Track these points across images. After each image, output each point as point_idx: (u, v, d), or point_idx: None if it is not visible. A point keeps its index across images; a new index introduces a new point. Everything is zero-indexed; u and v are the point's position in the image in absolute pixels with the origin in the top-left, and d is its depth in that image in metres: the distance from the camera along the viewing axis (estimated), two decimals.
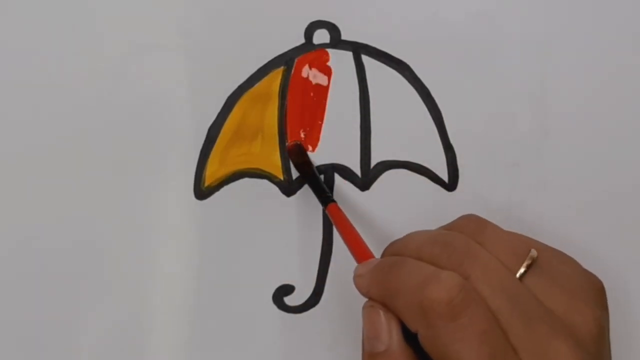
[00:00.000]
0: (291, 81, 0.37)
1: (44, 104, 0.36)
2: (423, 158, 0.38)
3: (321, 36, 0.37)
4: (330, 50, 0.37)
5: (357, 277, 0.29)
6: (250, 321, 0.37)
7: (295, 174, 0.37)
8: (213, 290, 0.36)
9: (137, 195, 0.36)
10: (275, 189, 0.37)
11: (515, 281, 0.26)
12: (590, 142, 0.38)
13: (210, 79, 0.37)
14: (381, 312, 0.27)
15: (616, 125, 0.38)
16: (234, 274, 0.37)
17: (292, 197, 0.37)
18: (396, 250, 0.29)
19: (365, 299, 0.28)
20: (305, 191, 0.37)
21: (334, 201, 0.34)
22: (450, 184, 0.38)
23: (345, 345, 0.37)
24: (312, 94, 0.37)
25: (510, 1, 0.38)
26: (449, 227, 0.30)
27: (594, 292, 0.28)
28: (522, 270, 0.27)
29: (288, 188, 0.37)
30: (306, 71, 0.37)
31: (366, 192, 0.38)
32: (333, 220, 0.34)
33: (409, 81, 0.38)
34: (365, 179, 0.38)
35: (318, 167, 0.37)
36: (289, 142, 0.37)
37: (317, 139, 0.37)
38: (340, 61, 0.37)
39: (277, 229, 0.37)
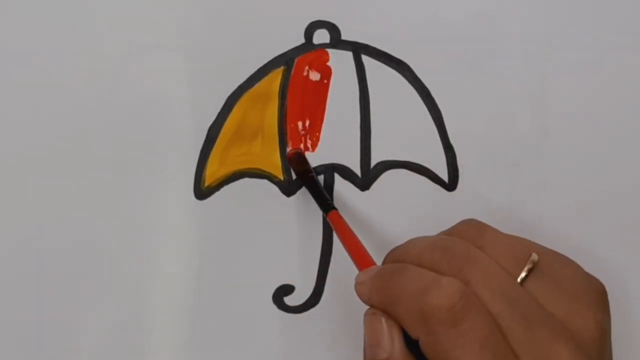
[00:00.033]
0: (291, 81, 0.37)
1: (44, 104, 0.36)
2: (423, 158, 0.38)
3: (321, 36, 0.37)
4: (330, 50, 0.37)
5: (358, 285, 0.29)
6: (250, 321, 0.37)
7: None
8: (213, 290, 0.36)
9: (137, 195, 0.36)
10: (275, 189, 0.37)
11: (516, 285, 0.26)
12: (590, 142, 0.38)
13: (210, 79, 0.37)
14: (383, 319, 0.27)
15: (616, 125, 0.38)
16: (234, 274, 0.37)
17: (292, 197, 0.37)
18: (397, 256, 0.29)
19: (366, 306, 0.28)
20: (306, 191, 0.37)
21: (334, 208, 0.34)
22: (450, 184, 0.38)
23: (345, 345, 0.37)
24: (312, 94, 0.37)
25: (510, 1, 0.38)
26: (449, 232, 0.30)
27: (596, 296, 0.27)
28: (523, 274, 0.27)
29: (288, 188, 0.37)
30: (306, 71, 0.37)
31: (366, 192, 0.37)
32: (334, 228, 0.33)
33: (409, 81, 0.38)
34: (365, 179, 0.37)
35: (318, 167, 0.37)
36: (289, 150, 0.37)
37: (317, 139, 0.37)
38: (340, 61, 0.37)
39: (277, 229, 0.37)
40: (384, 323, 0.27)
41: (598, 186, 0.38)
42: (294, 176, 0.37)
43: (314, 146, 0.37)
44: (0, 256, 0.35)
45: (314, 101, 0.37)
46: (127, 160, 0.36)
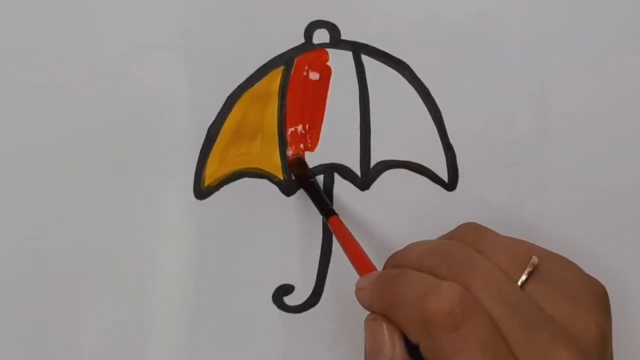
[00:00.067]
0: (291, 81, 0.37)
1: (44, 104, 0.35)
2: (423, 158, 0.38)
3: (321, 36, 0.37)
4: (330, 50, 0.37)
5: (359, 291, 0.29)
6: (250, 321, 0.36)
7: None
8: (213, 290, 0.36)
9: (137, 195, 0.36)
10: (275, 189, 0.37)
11: (516, 289, 0.26)
12: (590, 142, 0.38)
13: (210, 79, 0.36)
14: (384, 325, 0.27)
15: (616, 125, 0.38)
16: (234, 274, 0.36)
17: (292, 197, 0.37)
18: (397, 261, 0.29)
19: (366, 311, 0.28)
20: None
21: (335, 214, 0.34)
22: (450, 184, 0.38)
23: (345, 345, 0.37)
24: (312, 94, 0.37)
25: (510, 1, 0.38)
26: (449, 237, 0.30)
27: (597, 298, 0.27)
28: (523, 277, 0.26)
29: (288, 188, 0.37)
30: (306, 71, 0.37)
31: (366, 192, 0.37)
32: (335, 233, 0.33)
33: (409, 81, 0.38)
34: (365, 179, 0.37)
35: (318, 167, 0.37)
36: (290, 157, 0.37)
37: (317, 139, 0.37)
38: (340, 61, 0.37)
39: (277, 229, 0.37)
40: (385, 329, 0.26)
41: (598, 186, 0.38)
42: (294, 176, 0.37)
43: (314, 146, 0.37)
44: (0, 256, 0.35)
45: (314, 101, 0.37)
46: (127, 160, 0.36)
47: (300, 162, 0.37)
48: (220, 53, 0.36)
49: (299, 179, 0.36)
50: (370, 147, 0.37)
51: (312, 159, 0.37)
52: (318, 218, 0.37)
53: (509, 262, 0.27)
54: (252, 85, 0.37)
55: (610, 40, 0.38)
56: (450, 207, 0.37)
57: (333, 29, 0.37)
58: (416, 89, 0.37)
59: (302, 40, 0.37)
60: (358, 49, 0.37)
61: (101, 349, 0.36)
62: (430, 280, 0.26)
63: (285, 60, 0.37)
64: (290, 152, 0.37)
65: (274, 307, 0.37)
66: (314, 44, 0.37)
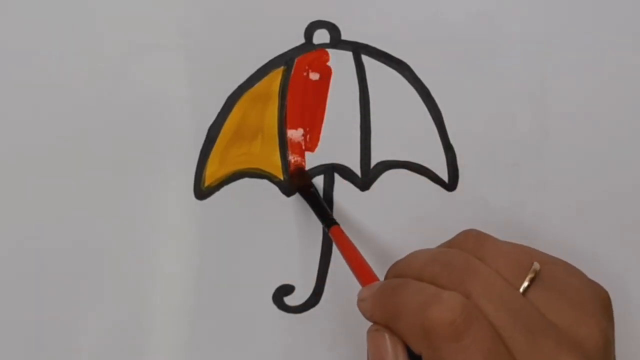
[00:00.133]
0: (291, 81, 0.37)
1: (44, 104, 0.35)
2: (423, 158, 0.37)
3: (321, 36, 0.37)
4: (330, 50, 0.37)
5: (360, 301, 0.29)
6: (250, 321, 0.36)
7: None
8: (213, 290, 0.36)
9: (137, 195, 0.36)
10: (275, 189, 0.37)
11: (518, 295, 0.26)
12: (590, 142, 0.38)
13: (210, 79, 0.36)
14: (386, 336, 0.26)
15: (616, 125, 0.38)
16: (234, 274, 0.36)
17: (292, 197, 0.37)
18: (398, 271, 0.29)
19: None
20: None
21: (336, 224, 0.34)
22: (450, 184, 0.38)
23: (345, 345, 0.37)
24: (312, 94, 0.37)
25: (510, 1, 0.38)
26: (449, 244, 0.29)
27: (600, 303, 0.27)
28: (525, 284, 0.26)
29: (288, 188, 0.37)
30: (306, 71, 0.37)
31: (366, 192, 0.37)
32: (336, 243, 0.33)
33: (409, 81, 0.37)
34: (365, 179, 0.37)
35: (318, 167, 0.37)
36: (291, 168, 0.37)
37: (317, 139, 0.37)
38: (340, 61, 0.37)
39: (277, 229, 0.36)
40: (387, 339, 0.26)
41: (598, 186, 0.38)
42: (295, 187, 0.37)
43: (314, 146, 0.37)
44: (0, 256, 0.35)
45: (314, 101, 0.37)
46: (127, 160, 0.36)
47: (301, 172, 0.36)
48: (220, 53, 0.36)
49: (300, 188, 0.36)
50: (370, 147, 0.37)
51: (312, 159, 0.37)
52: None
53: (510, 268, 0.27)
54: (252, 85, 0.36)
55: (610, 40, 0.38)
56: (450, 207, 0.37)
57: (333, 29, 0.37)
58: (416, 89, 0.37)
59: (302, 40, 0.37)
60: (358, 49, 0.37)
61: (101, 349, 0.35)
62: (431, 290, 0.26)
63: (285, 60, 0.37)
64: (290, 154, 0.37)
65: (274, 307, 0.36)
66: (314, 44, 0.37)
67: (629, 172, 0.38)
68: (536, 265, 0.27)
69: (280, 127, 0.37)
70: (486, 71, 0.37)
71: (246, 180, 0.36)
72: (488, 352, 0.24)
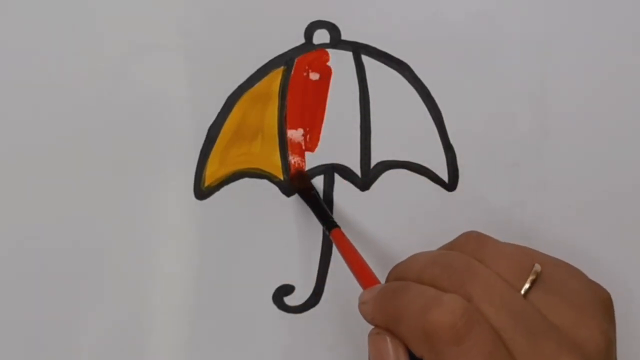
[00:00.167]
0: (291, 81, 0.37)
1: (44, 104, 0.35)
2: (423, 158, 0.37)
3: (321, 36, 0.37)
4: (330, 50, 0.37)
5: (361, 305, 0.28)
6: (250, 321, 0.36)
7: None
8: (213, 290, 0.36)
9: (137, 195, 0.36)
10: (275, 189, 0.37)
11: (519, 297, 0.26)
12: (590, 142, 0.38)
13: (210, 79, 0.36)
14: (388, 339, 0.26)
15: (616, 125, 0.38)
16: (234, 274, 0.36)
17: (292, 197, 0.36)
18: (399, 273, 0.29)
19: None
20: None
21: (337, 226, 0.34)
22: (450, 184, 0.37)
23: (345, 345, 0.36)
24: (312, 94, 0.37)
25: (510, 1, 0.38)
26: (450, 246, 0.29)
27: (601, 305, 0.27)
28: (526, 285, 0.26)
29: (288, 188, 0.36)
30: (306, 71, 0.37)
31: (366, 192, 0.37)
32: (337, 246, 0.33)
33: (409, 81, 0.37)
34: (365, 179, 0.37)
35: (318, 167, 0.37)
36: (291, 171, 0.36)
37: (317, 139, 0.37)
38: (340, 61, 0.37)
39: (277, 229, 0.36)
40: (389, 343, 0.26)
41: (598, 186, 0.38)
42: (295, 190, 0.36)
43: (314, 146, 0.37)
44: (0, 256, 0.35)
45: (314, 101, 0.37)
46: (127, 160, 0.35)
47: (301, 174, 0.36)
48: (220, 53, 0.36)
49: (300, 191, 0.36)
50: (370, 147, 0.37)
51: (312, 159, 0.37)
52: None
53: (511, 270, 0.26)
54: (252, 85, 0.36)
55: (610, 40, 0.38)
56: (450, 207, 0.37)
57: (333, 29, 0.37)
58: (416, 89, 0.37)
59: (302, 40, 0.37)
60: (358, 49, 0.37)
61: (101, 349, 0.35)
62: (431, 293, 0.25)
63: (285, 60, 0.37)
64: (290, 154, 0.37)
65: (274, 307, 0.36)
66: (314, 44, 0.37)
67: (629, 172, 0.38)
68: (537, 267, 0.26)
69: (280, 127, 0.36)
70: (486, 71, 0.37)
71: (246, 180, 0.36)
72: (489, 355, 0.24)
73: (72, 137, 0.35)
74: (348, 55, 0.37)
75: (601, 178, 0.38)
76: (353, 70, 0.37)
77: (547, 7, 0.38)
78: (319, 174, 0.37)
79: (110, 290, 0.35)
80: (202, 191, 0.36)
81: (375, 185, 0.37)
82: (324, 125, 0.37)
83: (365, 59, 0.37)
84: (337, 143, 0.37)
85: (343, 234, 0.33)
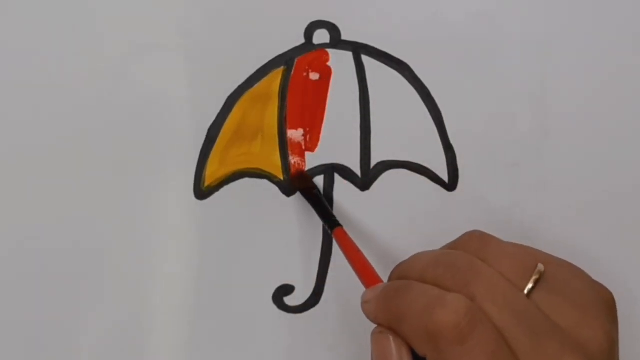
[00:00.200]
0: (291, 81, 0.37)
1: (44, 104, 0.35)
2: (423, 158, 0.37)
3: (321, 36, 0.37)
4: (330, 50, 0.37)
5: (364, 304, 0.28)
6: (250, 321, 0.36)
7: None
8: (213, 290, 0.36)
9: (137, 195, 0.35)
10: (275, 189, 0.36)
11: (522, 297, 0.25)
12: (590, 142, 0.38)
13: (210, 79, 0.36)
14: (391, 338, 0.26)
15: (616, 125, 0.38)
16: (234, 274, 0.36)
17: (292, 197, 0.36)
18: (402, 272, 0.28)
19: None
20: None
21: (340, 225, 0.33)
22: (450, 184, 0.37)
23: (345, 346, 0.36)
24: (312, 94, 0.37)
25: (510, 1, 0.37)
26: (453, 246, 0.29)
27: (604, 305, 0.27)
28: (529, 285, 0.26)
29: (288, 188, 0.36)
30: (306, 71, 0.37)
31: (366, 192, 0.37)
32: (339, 245, 0.33)
33: (409, 81, 0.37)
34: (365, 179, 0.37)
35: (318, 167, 0.37)
36: (292, 172, 0.36)
37: (317, 139, 0.37)
38: (340, 61, 0.37)
39: (277, 229, 0.36)
40: (392, 342, 0.26)
41: (598, 186, 0.38)
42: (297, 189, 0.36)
43: (314, 146, 0.37)
44: (0, 256, 0.35)
45: (314, 101, 0.37)
46: (127, 160, 0.35)
47: (302, 174, 0.36)
48: (220, 53, 0.36)
49: (302, 191, 0.36)
50: (370, 147, 0.37)
51: (312, 159, 0.37)
52: (318, 218, 0.36)
53: (514, 269, 0.26)
54: (252, 85, 0.36)
55: (610, 40, 0.38)
56: (450, 207, 0.37)
57: (333, 29, 0.37)
58: (416, 89, 0.37)
59: (302, 40, 0.36)
60: (358, 49, 0.37)
61: (101, 349, 0.35)
62: (434, 292, 0.25)
63: (285, 60, 0.36)
64: (290, 154, 0.36)
65: (274, 307, 0.36)
66: (314, 44, 0.37)
67: (629, 172, 0.38)
68: (540, 267, 0.26)
69: (280, 127, 0.36)
70: (486, 71, 0.37)
71: (246, 180, 0.36)
72: (492, 354, 0.24)
73: (72, 137, 0.35)
74: (348, 55, 0.37)
75: (601, 178, 0.38)
76: (353, 70, 0.37)
77: (547, 7, 0.38)
78: (319, 174, 0.36)
79: (110, 290, 0.35)
80: (202, 191, 0.36)
81: (375, 185, 0.37)
82: (324, 125, 0.37)
83: (365, 59, 0.37)
84: (337, 143, 0.37)
85: (345, 233, 0.33)
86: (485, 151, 0.37)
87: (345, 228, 0.34)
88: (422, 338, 0.25)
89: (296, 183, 0.36)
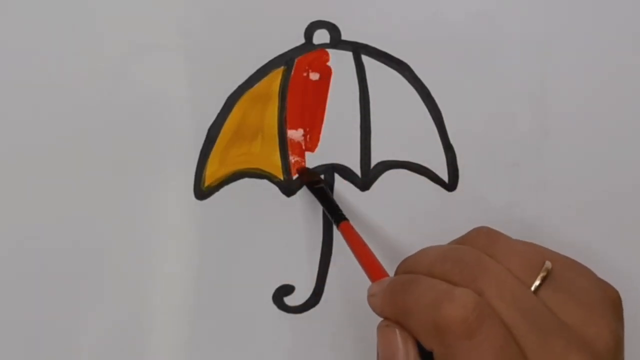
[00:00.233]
0: (291, 81, 0.36)
1: (44, 104, 0.35)
2: (423, 158, 0.37)
3: (321, 36, 0.37)
4: (330, 50, 0.37)
5: (370, 297, 0.28)
6: (250, 321, 0.36)
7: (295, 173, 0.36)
8: (213, 290, 0.36)
9: (137, 195, 0.35)
10: (275, 189, 0.36)
11: (530, 294, 0.25)
12: (590, 142, 0.38)
13: (210, 79, 0.36)
14: (397, 331, 0.26)
15: (616, 125, 0.38)
16: (234, 274, 0.36)
17: (292, 197, 0.36)
18: (409, 267, 0.28)
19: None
20: (306, 191, 0.36)
21: (346, 219, 0.33)
22: (450, 184, 0.37)
23: (345, 345, 0.36)
24: (312, 94, 0.37)
25: (510, 1, 0.37)
26: (460, 241, 0.29)
27: (610, 304, 0.26)
28: (537, 282, 0.26)
29: (288, 188, 0.36)
30: (306, 71, 0.37)
31: (366, 192, 0.37)
32: (346, 239, 0.33)
33: (409, 81, 0.37)
34: (365, 179, 0.37)
35: (318, 167, 0.37)
36: (298, 168, 0.36)
37: (317, 139, 0.37)
38: (340, 61, 0.37)
39: (277, 229, 0.36)
40: (398, 335, 0.26)
41: (598, 186, 0.37)
42: (294, 176, 0.36)
43: (314, 146, 0.36)
44: (0, 256, 0.35)
45: (314, 101, 0.37)
46: (127, 160, 0.35)
47: (308, 170, 0.36)
48: (220, 53, 0.36)
49: (308, 185, 0.36)
50: (370, 147, 0.37)
51: (312, 159, 0.36)
52: (318, 218, 0.36)
53: (522, 266, 0.26)
54: (252, 85, 0.36)
55: (610, 40, 0.38)
56: (450, 207, 0.37)
57: (333, 29, 0.36)
58: (416, 89, 0.37)
59: (302, 40, 0.36)
60: (358, 49, 0.37)
61: (101, 349, 0.35)
62: (442, 286, 0.25)
63: (285, 60, 0.36)
64: (290, 154, 0.36)
65: (274, 307, 0.36)
66: (314, 44, 0.36)
67: (629, 172, 0.38)
68: (548, 264, 0.26)
69: (280, 127, 0.36)
70: (486, 71, 0.37)
71: (246, 180, 0.36)
72: (500, 349, 0.24)
73: (72, 137, 0.35)
74: (348, 55, 0.37)
75: (601, 178, 0.37)
76: (353, 70, 0.37)
77: (547, 7, 0.37)
78: (320, 172, 0.36)
79: (110, 290, 0.35)
80: (202, 191, 0.36)
81: (375, 185, 0.37)
82: (324, 125, 0.36)
83: (365, 59, 0.37)
84: (337, 143, 0.36)
85: (352, 227, 0.33)
86: (485, 151, 0.37)
87: None
88: (429, 332, 0.25)
89: (304, 179, 0.36)
